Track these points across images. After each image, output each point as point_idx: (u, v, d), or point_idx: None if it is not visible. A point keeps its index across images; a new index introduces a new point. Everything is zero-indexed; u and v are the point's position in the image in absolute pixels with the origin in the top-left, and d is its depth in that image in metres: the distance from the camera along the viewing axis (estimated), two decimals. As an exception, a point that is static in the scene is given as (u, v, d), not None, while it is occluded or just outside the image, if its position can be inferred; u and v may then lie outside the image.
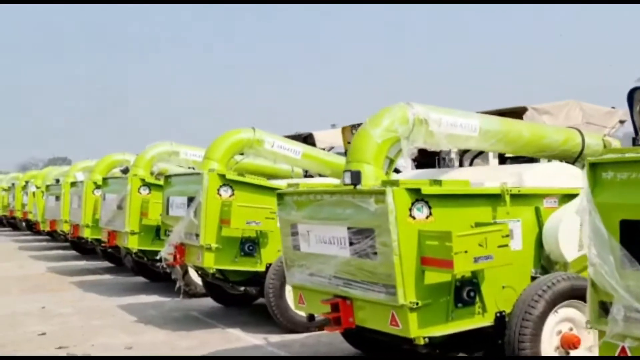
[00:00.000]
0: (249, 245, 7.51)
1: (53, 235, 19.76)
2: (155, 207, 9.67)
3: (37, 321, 8.59)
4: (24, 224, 23.33)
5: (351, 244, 4.93)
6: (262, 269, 7.55)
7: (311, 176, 10.45)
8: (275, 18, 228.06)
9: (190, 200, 7.60)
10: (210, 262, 7.40)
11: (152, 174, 10.43)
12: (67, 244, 18.42)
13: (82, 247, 15.96)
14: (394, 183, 4.64)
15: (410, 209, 4.63)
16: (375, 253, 4.73)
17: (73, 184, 13.49)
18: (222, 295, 8.97)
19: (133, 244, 9.92)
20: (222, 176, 7.47)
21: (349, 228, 4.94)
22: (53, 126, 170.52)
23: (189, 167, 10.79)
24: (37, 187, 17.57)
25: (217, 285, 8.65)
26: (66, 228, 14.52)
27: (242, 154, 8.41)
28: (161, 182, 9.98)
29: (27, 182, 20.67)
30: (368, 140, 5.28)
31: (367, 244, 4.80)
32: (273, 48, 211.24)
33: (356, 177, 4.87)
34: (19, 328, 8.23)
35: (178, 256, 7.85)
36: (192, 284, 9.81)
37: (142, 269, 11.44)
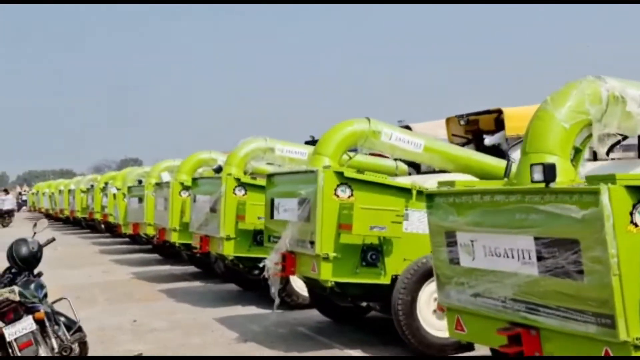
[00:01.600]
0: (372, 254, 6.45)
1: (133, 238, 19.32)
2: (253, 210, 8.76)
3: (131, 338, 7.79)
4: (103, 226, 23.06)
5: (540, 258, 3.81)
6: (386, 281, 6.49)
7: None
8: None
9: (302, 202, 6.59)
10: (327, 274, 6.38)
11: (245, 173, 9.54)
12: (148, 246, 17.91)
13: (166, 251, 15.32)
14: (610, 179, 3.49)
15: (631, 214, 3.49)
16: (581, 271, 3.59)
17: (157, 185, 12.75)
18: (331, 308, 7.97)
19: (229, 250, 9.02)
20: (340, 174, 6.43)
21: (536, 238, 3.81)
22: (124, 128, 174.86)
23: (279, 166, 9.89)
24: (118, 189, 17.01)
25: (325, 297, 7.68)
26: (150, 231, 13.85)
27: (354, 150, 7.39)
28: (257, 182, 9.12)
29: (106, 183, 20.26)
30: (552, 125, 4.14)
31: (566, 259, 3.67)
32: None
33: (551, 172, 3.73)
34: (112, 346, 7.43)
35: (287, 266, 6.88)
36: (294, 294, 8.86)
37: (235, 276, 10.58)
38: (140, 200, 14.16)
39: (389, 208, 6.31)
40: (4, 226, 30.32)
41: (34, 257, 6.01)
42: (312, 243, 6.45)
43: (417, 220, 6.56)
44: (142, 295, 10.82)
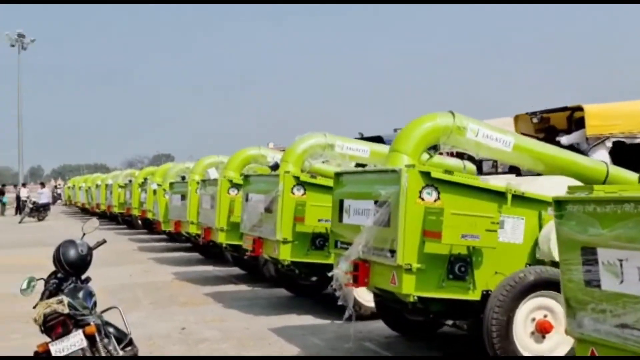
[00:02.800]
0: (460, 266, 5.67)
1: (171, 235, 18.77)
2: (312, 211, 8.06)
3: (181, 349, 7.13)
4: (140, 222, 22.59)
5: None
6: (475, 297, 5.71)
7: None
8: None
9: (381, 205, 5.83)
10: (409, 288, 5.61)
11: (302, 171, 8.83)
12: (187, 245, 17.35)
13: (207, 250, 14.71)
14: None
15: None
16: None
17: (203, 182, 12.10)
18: (401, 322, 7.21)
19: (285, 254, 8.30)
20: (426, 174, 5.65)
21: None
22: (156, 124, 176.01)
23: (339, 165, 9.15)
24: (159, 185, 16.44)
25: (395, 309, 6.94)
26: (193, 230, 13.25)
27: (433, 148, 6.59)
28: (317, 181, 8.41)
29: (145, 179, 19.74)
30: None
31: None
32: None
33: None
34: (162, 358, 6.77)
35: (360, 276, 6.13)
36: (357, 304, 8.10)
37: (287, 281, 9.89)
38: (183, 197, 13.55)
39: (482, 214, 5.53)
40: (39, 220, 30.11)
41: (83, 262, 5.36)
42: (392, 252, 5.69)
43: (511, 229, 5.80)
44: (187, 298, 10.17)
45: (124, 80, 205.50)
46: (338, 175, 6.92)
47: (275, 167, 8.93)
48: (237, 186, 10.85)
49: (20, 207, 34.96)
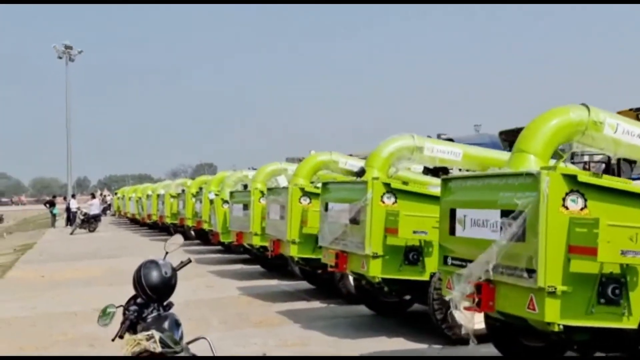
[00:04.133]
0: (614, 288, 4.71)
1: (227, 246, 18.09)
2: (406, 222, 7.20)
3: (269, 380, 6.31)
4: (193, 233, 21.98)
5: None
6: (632, 325, 4.75)
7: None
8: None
9: (514, 216, 4.91)
10: (554, 315, 4.68)
11: (389, 177, 7.97)
12: (245, 256, 16.62)
13: (269, 263, 13.92)
14: None
15: None
16: None
17: (270, 191, 11.31)
18: (515, 346, 6.28)
19: (375, 270, 7.43)
20: (572, 178, 4.73)
21: None
22: (199, 134, 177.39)
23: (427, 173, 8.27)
24: (217, 194, 15.74)
25: (510, 334, 6.03)
26: (256, 242, 12.48)
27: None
28: (410, 188, 7.54)
29: (200, 188, 19.11)
30: None
31: None
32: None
33: None
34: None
35: (483, 299, 5.23)
36: (457, 327, 7.21)
37: (368, 298, 9.02)
38: (246, 207, 12.80)
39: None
40: (90, 231, 29.78)
41: (167, 285, 4.56)
42: (529, 271, 4.78)
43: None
44: (260, 317, 9.37)
45: (168, 91, 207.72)
46: (447, 180, 6.03)
47: (361, 172, 8.06)
48: (308, 194, 10.06)
49: (70, 218, 34.82)
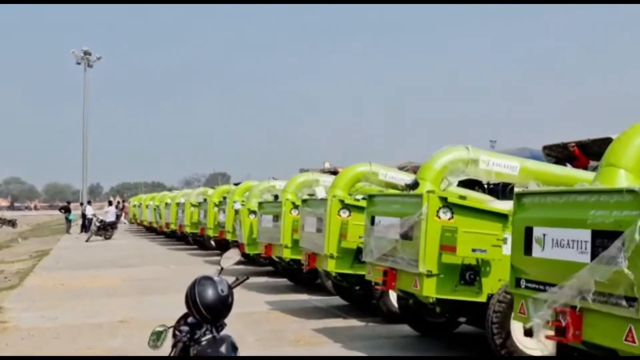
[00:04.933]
0: None
1: (247, 257, 17.63)
2: (465, 239, 6.74)
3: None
4: (213, 243, 21.55)
5: None
6: None
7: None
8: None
9: (607, 236, 4.41)
10: (657, 348, 4.19)
11: (441, 190, 7.50)
12: (269, 268, 16.16)
13: (296, 276, 13.45)
14: None
15: None
16: None
17: (305, 202, 10.84)
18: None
19: (430, 290, 6.94)
20: (682, 196, 4.24)
21: None
22: (212, 143, 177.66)
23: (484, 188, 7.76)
24: (243, 204, 15.29)
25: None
26: (286, 255, 12.04)
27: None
28: (468, 203, 7.06)
29: (224, 197, 18.67)
30: None
31: None
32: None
33: None
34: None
35: (570, 328, 4.73)
36: (516, 352, 6.71)
37: (413, 317, 8.53)
38: (276, 218, 12.35)
39: None
40: (106, 238, 29.41)
41: (224, 305, 4.10)
42: (630, 300, 4.28)
43: None
44: (296, 335, 8.88)
45: (180, 100, 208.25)
46: (522, 195, 5.54)
47: (414, 185, 7.57)
48: (348, 207, 9.59)
49: (85, 225, 34.49)
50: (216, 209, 19.38)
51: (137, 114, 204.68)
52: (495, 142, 30.82)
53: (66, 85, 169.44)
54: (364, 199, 9.71)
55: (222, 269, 4.47)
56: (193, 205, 22.53)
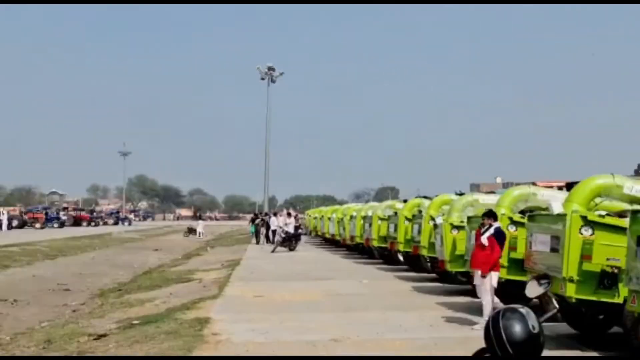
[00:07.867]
0: None
1: (441, 274, 16.70)
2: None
3: None
4: (401, 257, 20.88)
5: None
6: None
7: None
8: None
9: None
10: None
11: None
12: (468, 287, 15.09)
13: (505, 295, 12.30)
14: None
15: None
16: None
17: (532, 219, 9.74)
18: None
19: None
20: None
21: None
22: (380, 158, 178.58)
23: None
24: (445, 219, 14.42)
25: None
26: (502, 274, 10.96)
27: None
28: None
29: (420, 211, 17.91)
30: None
31: None
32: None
33: None
34: None
35: None
36: None
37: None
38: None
39: None
40: (290, 250, 29.80)
41: (534, 344, 3.29)
42: None
43: None
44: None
45: (346, 113, 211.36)
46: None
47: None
48: (591, 224, 8.41)
49: (268, 236, 35.30)
50: (407, 222, 18.66)
51: (315, 127, 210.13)
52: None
53: (248, 100, 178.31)
54: (608, 215, 8.52)
55: (530, 299, 3.62)
56: (381, 219, 21.99)
